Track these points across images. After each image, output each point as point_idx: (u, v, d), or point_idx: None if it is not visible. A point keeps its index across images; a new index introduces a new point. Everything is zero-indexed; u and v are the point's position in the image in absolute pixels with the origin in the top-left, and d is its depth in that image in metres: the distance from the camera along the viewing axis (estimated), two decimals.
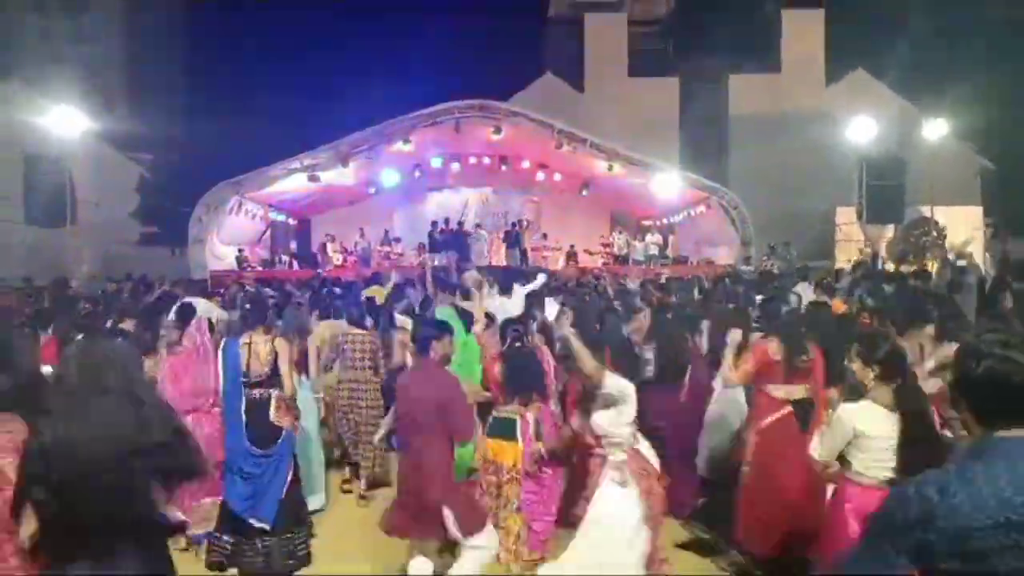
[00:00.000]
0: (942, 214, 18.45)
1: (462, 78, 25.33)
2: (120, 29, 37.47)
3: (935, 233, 18.00)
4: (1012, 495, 1.52)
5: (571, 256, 19.43)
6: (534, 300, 6.73)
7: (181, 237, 17.58)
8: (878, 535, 1.68)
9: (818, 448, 3.43)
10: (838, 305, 7.17)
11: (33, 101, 18.21)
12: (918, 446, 3.08)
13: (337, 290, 9.49)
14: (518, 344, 4.83)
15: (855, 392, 3.46)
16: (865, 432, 3.19)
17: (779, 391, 4.44)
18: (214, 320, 7.35)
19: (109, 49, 35.17)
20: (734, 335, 4.72)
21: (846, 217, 18.75)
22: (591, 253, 19.45)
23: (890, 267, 14.48)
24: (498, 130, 16.98)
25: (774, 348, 4.48)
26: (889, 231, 19.06)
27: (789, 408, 4.40)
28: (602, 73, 24.45)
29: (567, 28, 25.88)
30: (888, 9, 25.78)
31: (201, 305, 7.29)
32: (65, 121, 16.11)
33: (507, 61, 28.67)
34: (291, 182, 17.46)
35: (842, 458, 3.33)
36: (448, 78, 26.77)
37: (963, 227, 18.77)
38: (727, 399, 5.40)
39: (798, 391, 4.42)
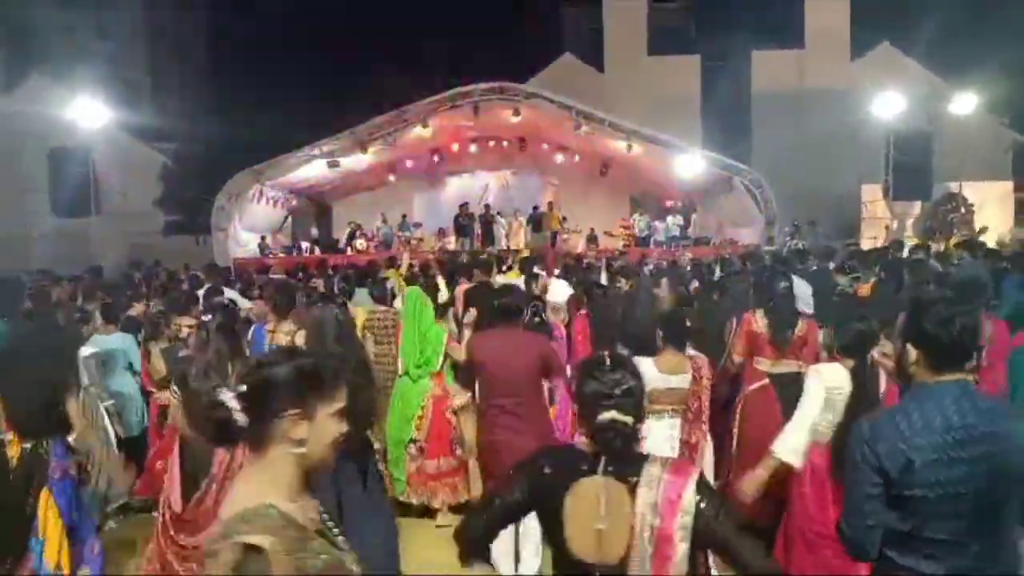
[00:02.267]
0: (971, 190, 18.04)
1: (480, 61, 25.12)
2: (142, 21, 37.73)
3: (963, 209, 17.60)
4: (939, 424, 2.03)
5: (591, 239, 19.32)
6: (533, 278, 7.28)
7: (204, 225, 17.76)
8: (850, 466, 2.15)
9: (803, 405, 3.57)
10: (863, 289, 7.02)
11: (57, 94, 18.43)
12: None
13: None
14: (537, 320, 5.08)
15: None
16: (842, 387, 3.38)
17: (763, 364, 4.61)
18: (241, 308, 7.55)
19: (131, 42, 35.44)
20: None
21: (872, 194, 18.40)
22: (612, 235, 19.30)
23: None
24: (517, 112, 16.87)
25: (759, 321, 4.64)
26: (916, 208, 18.70)
27: (767, 380, 4.56)
28: (622, 52, 24.13)
29: (586, 7, 25.52)
30: None
31: (227, 295, 7.52)
32: (89, 113, 16.31)
33: (526, 42, 28.37)
34: (311, 169, 17.57)
35: None
36: (466, 62, 26.57)
37: (993, 203, 18.33)
38: None
39: (784, 365, 4.54)
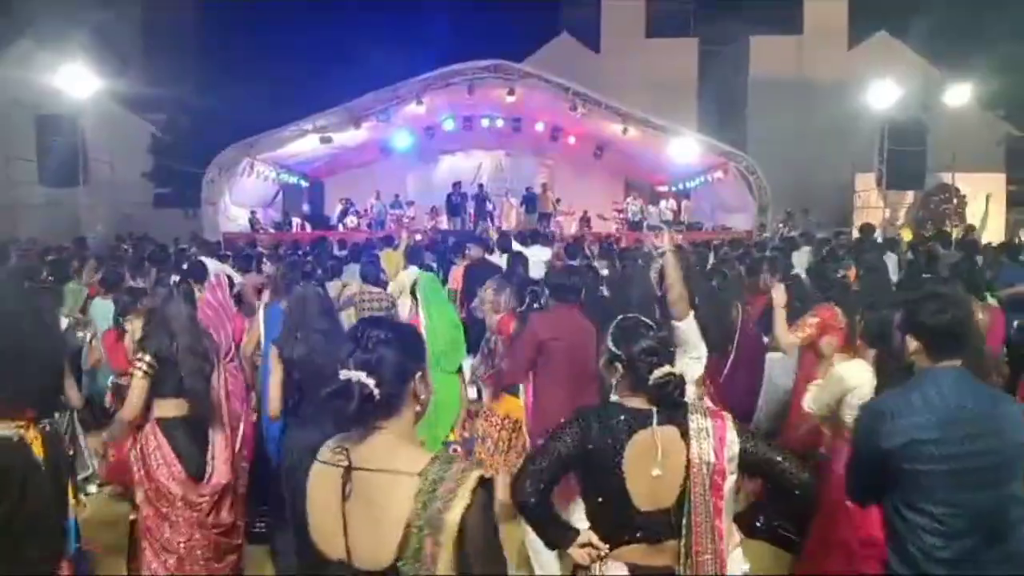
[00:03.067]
0: (964, 181, 18.07)
1: (476, 38, 24.87)
2: None
3: (956, 200, 17.65)
4: (938, 403, 2.17)
5: (585, 221, 19.26)
6: (519, 259, 6.73)
7: (194, 198, 17.56)
8: (857, 446, 2.36)
9: (812, 401, 3.57)
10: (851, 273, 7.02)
11: (45, 60, 18.08)
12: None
13: (342, 252, 9.49)
14: (536, 305, 4.94)
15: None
16: (858, 387, 3.30)
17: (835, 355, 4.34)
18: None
19: (123, 10, 34.88)
20: (779, 296, 4.56)
21: (865, 183, 18.38)
22: (604, 219, 19.26)
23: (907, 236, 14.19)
24: (512, 92, 16.73)
25: (838, 315, 4.40)
26: (909, 198, 18.73)
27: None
28: (619, 34, 23.95)
29: None
30: None
31: (211, 265, 7.27)
32: (77, 80, 16.00)
33: (522, 21, 28.09)
34: (303, 144, 17.38)
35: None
36: (462, 38, 26.30)
37: (984, 194, 18.38)
38: (775, 360, 5.29)
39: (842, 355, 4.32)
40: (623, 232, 17.24)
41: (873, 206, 17.80)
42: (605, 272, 7.55)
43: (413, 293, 5.88)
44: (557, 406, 3.81)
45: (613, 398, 2.24)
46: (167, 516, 3.60)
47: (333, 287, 6.54)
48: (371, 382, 1.65)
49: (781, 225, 15.91)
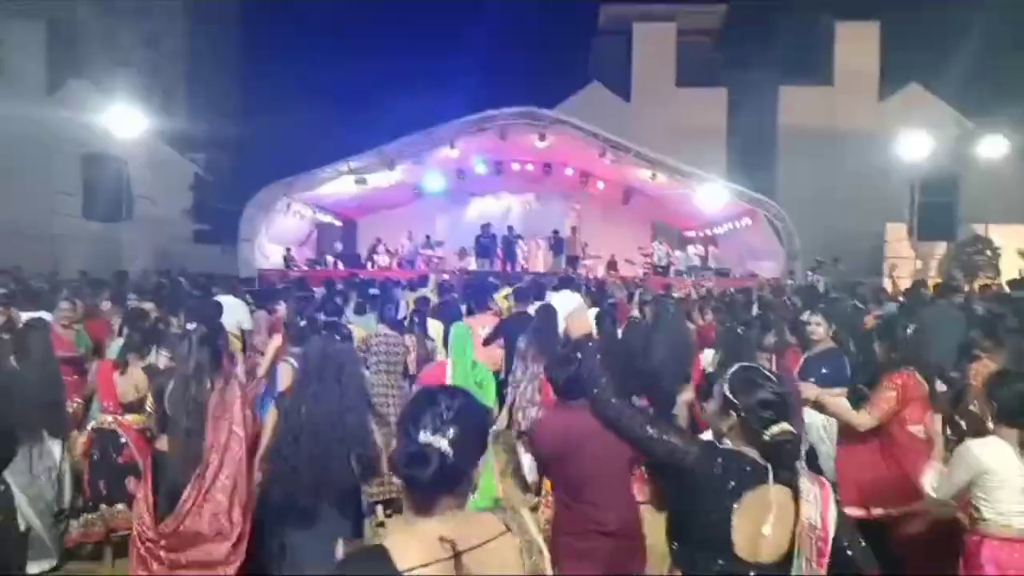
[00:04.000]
0: (998, 232, 17.86)
1: (509, 85, 25.42)
2: (181, 34, 38.64)
3: (989, 252, 17.42)
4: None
5: (611, 265, 19.34)
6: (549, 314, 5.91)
7: (231, 235, 17.95)
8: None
9: (937, 485, 3.15)
10: (868, 320, 6.96)
11: (95, 101, 18.83)
12: None
13: (373, 290, 9.47)
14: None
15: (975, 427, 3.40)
16: (995, 470, 2.90)
17: (920, 430, 3.96)
18: (243, 328, 7.09)
19: (170, 53, 36.26)
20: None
21: (896, 234, 18.27)
22: (631, 263, 19.31)
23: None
24: (543, 138, 17.05)
25: (918, 380, 3.99)
26: (941, 248, 18.54)
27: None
28: (649, 82, 24.28)
29: (616, 37, 25.71)
30: (945, 22, 25.08)
31: (227, 302, 6.94)
32: (125, 120, 16.63)
33: (554, 70, 28.66)
34: (339, 184, 17.75)
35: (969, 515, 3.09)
36: (495, 86, 26.89)
37: (1018, 247, 18.10)
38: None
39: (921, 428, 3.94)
40: (649, 276, 17.26)
41: (904, 256, 17.65)
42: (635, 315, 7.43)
43: (445, 343, 5.67)
44: (606, 516, 3.18)
45: (727, 444, 2.19)
46: (135, 541, 3.78)
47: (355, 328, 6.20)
48: (449, 451, 1.59)
49: (811, 273, 15.82)
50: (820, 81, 23.76)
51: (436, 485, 1.59)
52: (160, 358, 5.05)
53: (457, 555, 1.55)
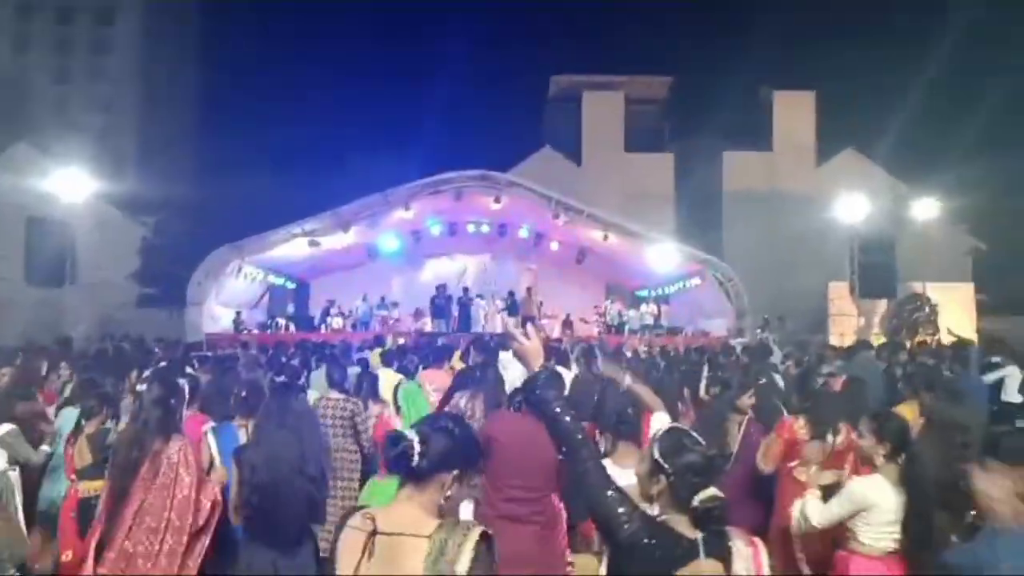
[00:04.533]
0: (934, 291, 18.60)
1: (464, 148, 25.91)
2: (135, 97, 38.51)
3: (927, 309, 18.10)
4: None
5: (567, 324, 19.47)
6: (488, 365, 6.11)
7: (179, 298, 17.59)
8: None
9: (816, 514, 3.49)
10: (837, 384, 7.11)
11: (40, 165, 18.52)
12: (922, 517, 3.19)
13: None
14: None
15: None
16: (878, 505, 3.27)
17: (803, 475, 4.17)
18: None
19: (123, 116, 36.04)
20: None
21: (838, 292, 18.89)
22: (586, 322, 19.50)
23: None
24: (498, 200, 17.34)
25: (801, 426, 4.37)
26: (882, 306, 19.19)
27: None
28: (600, 148, 25.02)
29: (567, 104, 26.60)
30: (880, 91, 26.62)
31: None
32: (71, 183, 16.34)
33: (509, 134, 29.40)
34: (291, 247, 17.65)
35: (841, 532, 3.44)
36: (450, 148, 27.36)
37: (954, 304, 18.88)
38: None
39: (826, 476, 4.06)
40: (603, 335, 17.41)
41: (847, 313, 18.21)
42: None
43: (394, 398, 5.76)
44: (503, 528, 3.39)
45: (656, 513, 2.15)
46: None
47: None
48: (416, 447, 1.98)
49: (759, 331, 16.16)
50: (761, 147, 24.82)
51: (401, 471, 2.01)
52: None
53: (373, 533, 1.91)
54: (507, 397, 4.70)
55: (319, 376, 7.06)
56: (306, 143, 30.25)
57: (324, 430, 5.45)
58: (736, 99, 26.54)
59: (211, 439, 4.47)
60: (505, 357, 6.56)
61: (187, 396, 4.79)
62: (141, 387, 4.57)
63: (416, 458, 1.97)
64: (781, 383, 7.28)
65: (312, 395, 6.02)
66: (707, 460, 2.13)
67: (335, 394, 5.86)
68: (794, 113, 24.80)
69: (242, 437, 4.66)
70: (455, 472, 2.03)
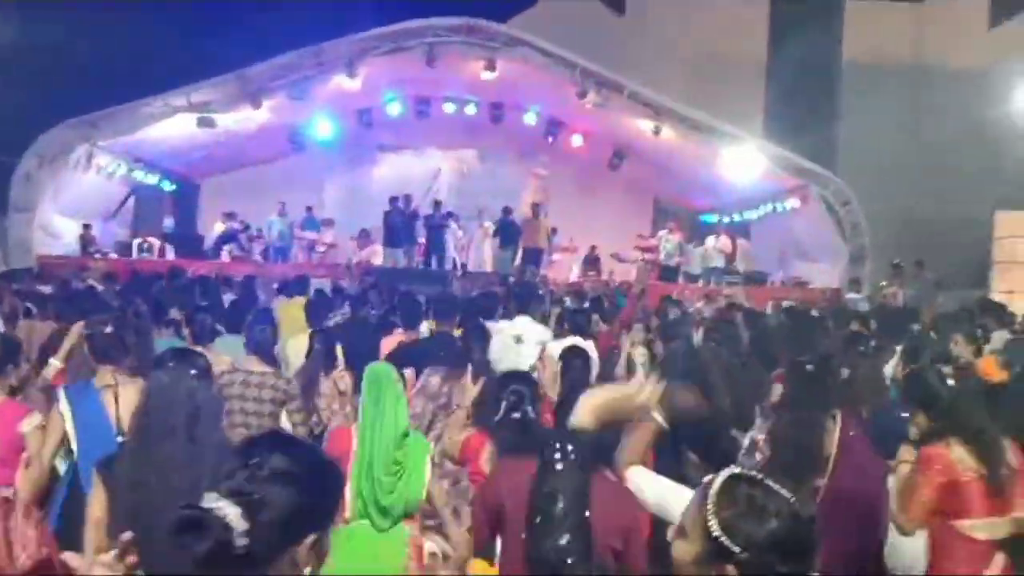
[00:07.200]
0: None
1: None
2: None
3: None
4: None
5: (591, 261, 19.41)
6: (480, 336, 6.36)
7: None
8: None
9: None
10: (989, 367, 7.01)
11: None
12: None
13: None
14: (516, 415, 4.48)
15: None
16: None
17: (980, 529, 4.20)
18: None
19: None
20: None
21: (1011, 227, 18.68)
22: (622, 260, 19.41)
23: None
24: (492, 65, 17.06)
25: (960, 456, 4.26)
26: None
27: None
28: None
29: None
30: None
31: None
32: None
33: None
34: (171, 127, 17.58)
35: None
36: None
37: None
38: None
39: (1003, 525, 4.14)
40: (647, 281, 17.35)
41: (1021, 260, 18.08)
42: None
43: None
44: None
45: None
46: None
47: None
48: (241, 526, 1.69)
49: (884, 284, 16.10)
50: None
51: (210, 565, 1.67)
52: None
53: None
54: (506, 392, 4.59)
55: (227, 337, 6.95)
56: None
57: (237, 427, 5.36)
58: None
59: (65, 406, 4.46)
60: (524, 327, 6.41)
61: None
62: None
63: (241, 541, 1.69)
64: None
65: (217, 365, 5.54)
66: (798, 526, 1.98)
67: (257, 365, 5.70)
68: None
69: (109, 406, 4.56)
70: (311, 538, 1.84)
